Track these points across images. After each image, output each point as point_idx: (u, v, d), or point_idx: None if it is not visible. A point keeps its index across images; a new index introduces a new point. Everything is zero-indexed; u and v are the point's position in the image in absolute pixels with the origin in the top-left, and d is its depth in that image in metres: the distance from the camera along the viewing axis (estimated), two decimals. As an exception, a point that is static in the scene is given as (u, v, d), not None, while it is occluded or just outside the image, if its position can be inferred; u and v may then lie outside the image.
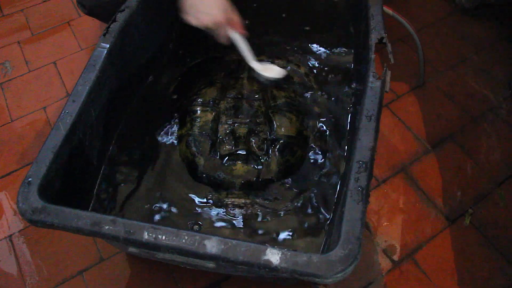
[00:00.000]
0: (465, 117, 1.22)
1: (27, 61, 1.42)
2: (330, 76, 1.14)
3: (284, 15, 1.23)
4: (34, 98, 1.32)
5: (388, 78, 0.84)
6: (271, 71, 1.02)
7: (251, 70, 1.02)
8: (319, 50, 1.20)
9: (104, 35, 0.87)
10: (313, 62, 1.16)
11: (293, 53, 1.18)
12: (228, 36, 0.95)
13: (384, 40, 0.88)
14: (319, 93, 1.09)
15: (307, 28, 1.22)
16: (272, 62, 1.11)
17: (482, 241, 1.02)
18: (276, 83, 1.04)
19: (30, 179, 0.69)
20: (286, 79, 1.07)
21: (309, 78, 1.13)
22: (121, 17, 0.91)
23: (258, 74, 1.01)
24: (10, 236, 1.04)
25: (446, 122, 1.21)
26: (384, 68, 0.84)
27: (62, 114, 0.76)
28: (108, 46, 0.86)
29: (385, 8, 1.21)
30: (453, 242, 1.02)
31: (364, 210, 0.65)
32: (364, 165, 0.69)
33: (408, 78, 1.31)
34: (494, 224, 1.04)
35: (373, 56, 0.86)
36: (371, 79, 0.81)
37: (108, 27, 0.88)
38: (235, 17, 0.94)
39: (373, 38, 0.88)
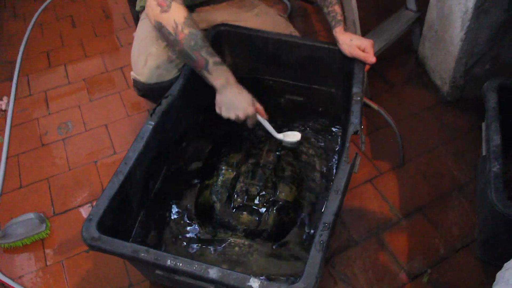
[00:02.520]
0: (435, 194, 1.48)
1: (85, 122, 1.77)
2: (327, 157, 1.42)
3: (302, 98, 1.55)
4: (88, 153, 1.65)
5: (357, 162, 1.12)
6: (291, 136, 1.32)
7: (270, 144, 1.34)
8: (321, 132, 1.49)
9: (151, 115, 1.19)
10: (319, 143, 1.46)
11: (306, 135, 1.48)
12: (255, 121, 1.23)
13: (358, 133, 1.16)
14: (318, 171, 1.38)
15: (321, 114, 1.53)
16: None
17: (437, 298, 1.25)
18: (296, 146, 1.36)
19: (91, 217, 0.98)
20: (297, 155, 1.39)
21: (314, 159, 1.42)
22: (164, 102, 1.23)
23: (282, 142, 1.31)
24: (62, 260, 1.34)
25: (418, 197, 1.47)
26: (355, 154, 1.12)
27: (116, 172, 1.07)
28: (153, 123, 1.17)
29: (369, 102, 1.52)
30: (411, 295, 1.26)
31: (322, 257, 0.91)
32: (327, 226, 0.96)
33: (392, 159, 1.58)
34: (448, 284, 1.27)
35: (347, 144, 1.13)
36: (343, 162, 1.09)
37: (155, 109, 1.20)
38: (259, 107, 1.23)
39: (350, 130, 1.17)
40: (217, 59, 1.19)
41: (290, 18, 2.29)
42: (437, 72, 1.84)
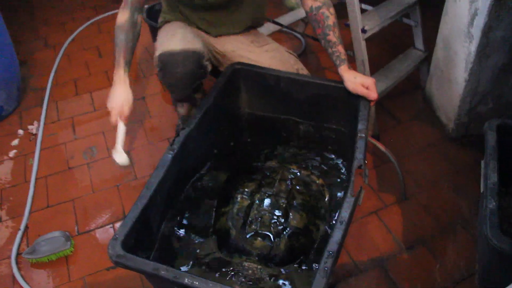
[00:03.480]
0: (437, 226, 1.55)
1: (108, 147, 1.89)
2: (335, 188, 1.51)
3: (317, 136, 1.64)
4: (111, 177, 1.76)
5: (361, 195, 1.20)
6: (119, 157, 1.35)
7: (283, 174, 1.44)
8: (331, 163, 1.58)
9: (171, 145, 1.29)
10: (329, 174, 1.54)
11: (316, 166, 1.57)
12: (113, 120, 1.33)
13: (362, 167, 1.25)
14: (327, 200, 1.47)
15: (330, 147, 1.62)
16: (300, 172, 1.52)
17: (437, 327, 1.31)
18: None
19: (116, 236, 1.08)
20: (307, 185, 1.47)
21: (323, 188, 1.51)
22: (183, 133, 1.33)
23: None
24: (84, 277, 1.44)
25: (421, 229, 1.54)
26: (359, 188, 1.20)
27: (140, 197, 1.17)
28: (172, 153, 1.27)
29: (376, 143, 1.62)
30: (412, 323, 1.32)
31: (326, 283, 0.99)
32: (331, 254, 1.04)
33: (396, 192, 1.66)
34: (447, 314, 1.33)
35: (353, 178, 1.22)
36: (348, 195, 1.17)
37: (174, 140, 1.30)
38: (125, 110, 1.35)
39: (355, 165, 1.26)
40: (120, 59, 1.38)
41: (304, 54, 2.42)
42: (443, 109, 1.93)
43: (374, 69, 1.96)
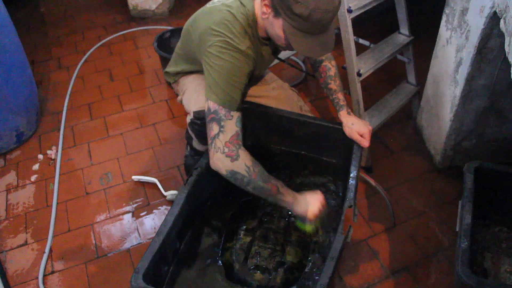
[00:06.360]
0: (421, 255, 1.71)
1: (123, 174, 2.04)
2: (327, 224, 1.66)
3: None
4: (125, 202, 1.92)
5: (350, 233, 1.37)
6: None
7: (282, 212, 1.60)
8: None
9: (184, 184, 1.45)
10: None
11: None
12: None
13: (352, 207, 1.41)
14: (320, 235, 1.62)
15: (326, 179, 1.77)
16: None
17: None
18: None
19: (138, 269, 1.24)
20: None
21: (317, 225, 1.66)
22: (195, 172, 1.49)
23: None
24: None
25: (405, 256, 1.70)
26: (349, 226, 1.37)
27: (157, 233, 1.33)
28: (186, 191, 1.44)
29: (367, 179, 1.78)
30: None
31: (319, 313, 1.16)
32: (323, 286, 1.21)
33: (385, 221, 1.82)
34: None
35: (343, 217, 1.38)
36: (338, 233, 1.33)
37: (187, 179, 1.47)
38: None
39: (346, 205, 1.42)
40: (281, 181, 1.40)
41: (305, 81, 2.58)
42: (431, 142, 2.10)
43: (369, 99, 2.11)
